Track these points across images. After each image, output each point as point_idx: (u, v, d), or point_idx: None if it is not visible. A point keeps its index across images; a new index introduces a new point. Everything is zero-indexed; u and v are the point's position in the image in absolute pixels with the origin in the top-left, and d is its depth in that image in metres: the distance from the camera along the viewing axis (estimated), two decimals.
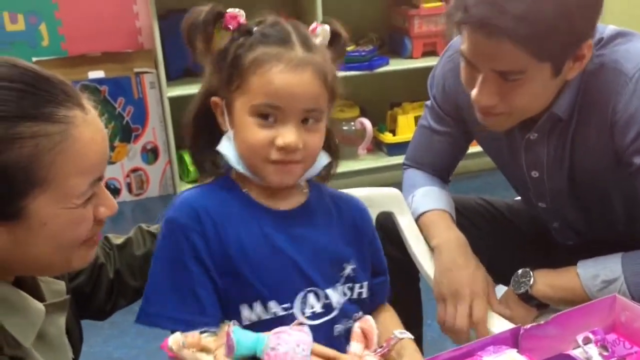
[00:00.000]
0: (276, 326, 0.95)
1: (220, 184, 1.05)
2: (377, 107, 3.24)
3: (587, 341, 0.99)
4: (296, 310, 1.01)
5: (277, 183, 1.02)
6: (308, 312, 1.01)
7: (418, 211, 1.42)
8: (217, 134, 1.04)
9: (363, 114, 3.14)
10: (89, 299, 1.18)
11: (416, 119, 3.17)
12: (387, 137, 3.20)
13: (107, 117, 3.08)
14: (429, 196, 1.44)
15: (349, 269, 1.07)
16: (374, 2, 3.28)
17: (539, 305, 1.30)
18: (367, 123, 3.07)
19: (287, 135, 0.96)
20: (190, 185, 2.97)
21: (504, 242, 1.53)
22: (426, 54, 3.21)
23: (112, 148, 3.14)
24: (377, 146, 3.28)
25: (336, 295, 1.04)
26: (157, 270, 1.01)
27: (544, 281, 1.27)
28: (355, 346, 1.03)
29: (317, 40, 1.01)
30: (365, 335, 1.05)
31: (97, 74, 3.02)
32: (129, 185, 3.21)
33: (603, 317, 1.01)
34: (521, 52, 1.08)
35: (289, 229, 1.03)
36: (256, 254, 1.00)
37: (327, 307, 1.03)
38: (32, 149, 0.79)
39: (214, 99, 1.02)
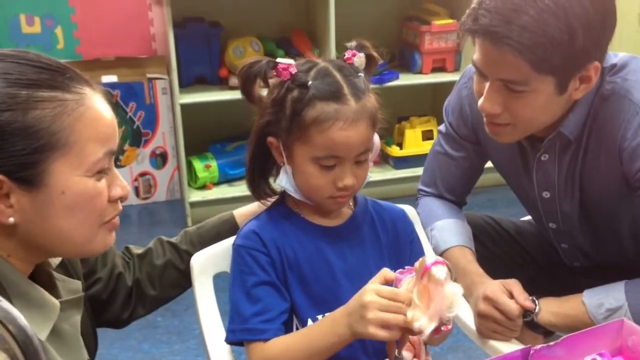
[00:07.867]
0: None
1: (276, 211, 1.17)
2: (384, 121, 3.26)
3: None
4: None
5: (333, 210, 1.14)
6: None
7: (440, 248, 1.45)
8: (270, 164, 1.15)
9: None
10: (106, 306, 1.21)
11: (423, 133, 3.20)
12: (394, 151, 3.23)
13: (118, 121, 3.08)
14: (449, 230, 1.46)
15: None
16: (385, 16, 3.31)
17: (545, 332, 1.32)
18: (375, 136, 3.08)
19: (346, 178, 1.07)
20: (197, 192, 3.05)
21: (510, 262, 1.55)
22: (435, 70, 3.24)
23: (122, 152, 3.17)
24: (384, 159, 3.31)
25: None
26: (234, 293, 1.11)
27: (548, 309, 1.29)
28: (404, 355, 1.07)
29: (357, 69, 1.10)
30: (413, 345, 1.10)
31: (110, 78, 3.05)
32: (136, 189, 3.24)
33: (610, 341, 1.03)
34: (523, 63, 1.12)
35: (339, 242, 1.14)
36: (310, 268, 1.11)
37: None
38: (52, 110, 0.88)
39: (271, 139, 1.11)
